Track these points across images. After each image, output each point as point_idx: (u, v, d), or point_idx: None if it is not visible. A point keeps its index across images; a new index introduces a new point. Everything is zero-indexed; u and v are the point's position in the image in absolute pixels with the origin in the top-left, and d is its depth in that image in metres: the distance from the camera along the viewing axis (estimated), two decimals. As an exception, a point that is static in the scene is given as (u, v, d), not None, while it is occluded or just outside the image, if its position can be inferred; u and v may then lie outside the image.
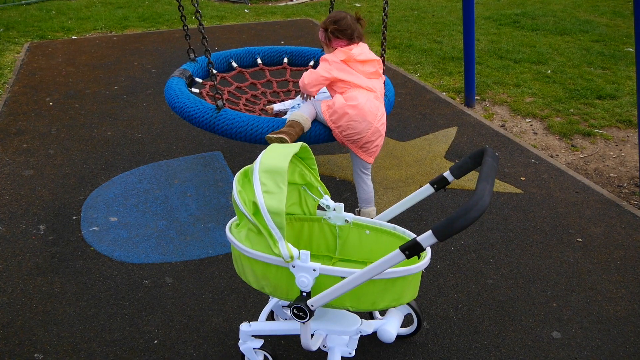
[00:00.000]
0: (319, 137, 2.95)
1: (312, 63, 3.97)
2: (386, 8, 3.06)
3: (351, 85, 2.85)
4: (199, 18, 2.87)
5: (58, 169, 3.70)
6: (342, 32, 2.92)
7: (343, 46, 2.94)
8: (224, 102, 3.08)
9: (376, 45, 6.66)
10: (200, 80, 3.61)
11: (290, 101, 3.60)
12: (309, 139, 2.92)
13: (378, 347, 2.29)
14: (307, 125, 2.87)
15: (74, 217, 3.17)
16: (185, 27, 3.34)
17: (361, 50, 2.92)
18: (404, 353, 2.28)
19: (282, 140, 2.71)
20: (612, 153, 4.07)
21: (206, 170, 3.70)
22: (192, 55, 3.59)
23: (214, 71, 3.57)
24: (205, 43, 2.92)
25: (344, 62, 2.87)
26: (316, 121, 2.96)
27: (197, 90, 3.47)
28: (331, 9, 3.73)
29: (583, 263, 2.82)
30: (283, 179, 1.74)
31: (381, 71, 3.02)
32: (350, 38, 2.94)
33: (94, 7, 8.37)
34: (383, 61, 3.16)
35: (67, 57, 6.02)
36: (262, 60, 3.99)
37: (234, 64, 3.87)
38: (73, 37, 6.86)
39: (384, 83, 3.11)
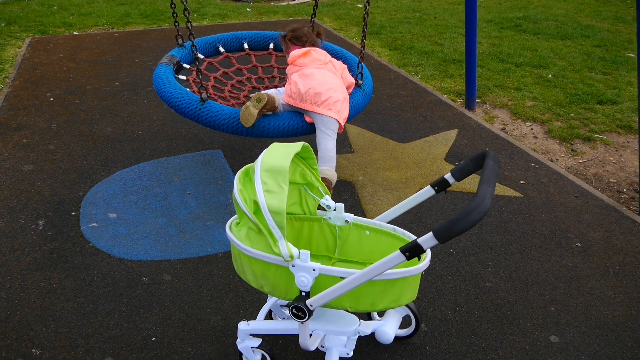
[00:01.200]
0: (293, 125, 3.08)
1: None
2: (367, 7, 3.23)
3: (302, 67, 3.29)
4: (187, 15, 2.99)
5: (58, 164, 3.70)
6: (298, 39, 3.48)
7: (294, 50, 3.41)
8: (209, 94, 3.21)
9: (377, 46, 6.67)
10: (187, 67, 3.66)
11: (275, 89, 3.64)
12: (286, 130, 3.06)
13: (376, 348, 2.30)
14: (277, 99, 3.08)
15: (73, 213, 3.17)
16: (175, 15, 3.38)
17: (312, 51, 3.35)
18: (402, 354, 2.28)
19: (259, 100, 2.92)
20: (612, 158, 4.08)
21: (206, 168, 3.70)
22: (180, 41, 3.65)
23: (200, 56, 3.73)
24: (190, 26, 3.03)
25: (291, 65, 3.34)
26: (290, 112, 3.14)
27: (184, 77, 3.54)
28: (313, 17, 3.98)
29: (582, 268, 2.83)
30: (284, 179, 1.74)
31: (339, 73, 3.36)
32: (303, 44, 3.46)
33: (95, 3, 8.36)
34: (362, 54, 3.35)
35: (68, 53, 6.02)
36: (248, 46, 4.03)
37: (221, 49, 3.92)
38: (74, 33, 6.85)
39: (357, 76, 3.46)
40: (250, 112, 2.93)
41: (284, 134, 3.08)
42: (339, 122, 3.13)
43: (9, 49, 6.11)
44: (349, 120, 3.30)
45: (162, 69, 3.38)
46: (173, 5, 3.33)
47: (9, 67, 5.55)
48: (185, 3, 2.97)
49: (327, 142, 3.10)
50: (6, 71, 5.44)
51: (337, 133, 3.16)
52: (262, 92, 3.13)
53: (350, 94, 3.33)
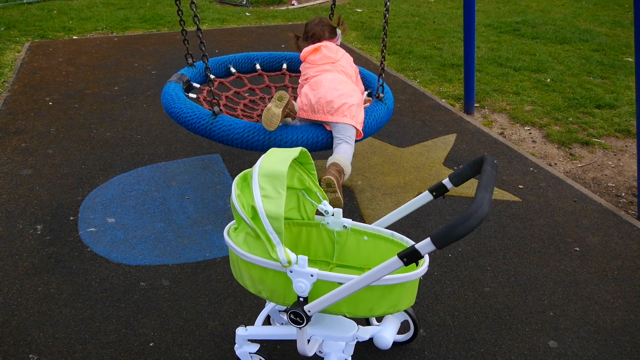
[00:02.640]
0: (313, 138, 2.97)
1: None
2: (387, 15, 3.05)
3: (310, 77, 3.27)
4: (197, 22, 2.83)
5: (56, 168, 3.70)
6: (308, 37, 3.48)
7: (307, 47, 3.42)
8: (221, 108, 3.06)
9: (376, 50, 6.68)
10: (198, 86, 3.58)
11: None
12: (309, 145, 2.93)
13: (374, 353, 2.29)
14: (295, 104, 3.02)
15: (71, 218, 3.16)
16: (184, 32, 3.29)
17: (322, 48, 3.34)
18: (400, 360, 2.27)
19: (280, 98, 2.83)
20: (610, 162, 4.08)
21: (205, 172, 3.70)
22: (190, 60, 3.56)
23: (212, 76, 3.57)
24: (203, 48, 2.90)
25: (304, 62, 3.37)
26: (309, 125, 3.03)
27: (194, 96, 3.45)
28: (331, 15, 3.76)
29: (580, 272, 2.82)
30: (282, 184, 1.73)
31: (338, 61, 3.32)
32: (317, 39, 3.44)
33: (95, 7, 8.38)
34: (382, 67, 3.20)
35: (68, 57, 6.02)
36: (261, 66, 3.97)
37: (233, 70, 3.85)
38: (74, 37, 6.86)
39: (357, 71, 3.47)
40: (273, 112, 2.77)
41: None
42: (355, 127, 3.01)
43: (8, 53, 6.11)
44: (371, 134, 3.17)
45: (171, 86, 3.29)
46: (182, 22, 3.22)
47: (8, 72, 5.55)
48: (195, 10, 2.78)
49: (343, 145, 2.96)
50: (5, 75, 5.44)
51: (356, 140, 3.04)
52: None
53: (371, 108, 3.20)
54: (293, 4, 9.45)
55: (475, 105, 5.02)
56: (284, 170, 1.75)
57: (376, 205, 3.36)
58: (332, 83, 3.08)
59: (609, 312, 2.56)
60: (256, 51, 6.32)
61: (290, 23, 7.91)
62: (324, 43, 3.38)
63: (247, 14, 8.47)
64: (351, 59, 3.43)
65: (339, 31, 3.51)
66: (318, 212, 2.16)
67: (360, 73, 3.67)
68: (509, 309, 2.56)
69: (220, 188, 3.51)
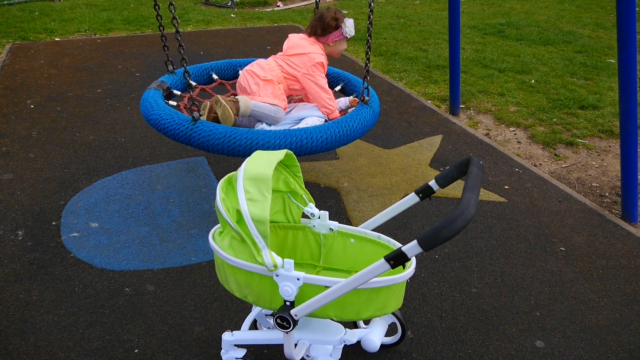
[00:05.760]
0: (296, 144, 2.89)
1: None
2: (371, 16, 2.98)
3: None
4: (176, 24, 2.77)
5: (38, 173, 3.64)
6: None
7: None
8: (201, 113, 3.02)
9: (362, 52, 6.68)
10: (178, 93, 3.51)
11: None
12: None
13: (362, 356, 2.28)
14: (244, 104, 3.09)
15: (53, 223, 3.11)
16: (164, 38, 3.15)
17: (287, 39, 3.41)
18: (388, 362, 2.26)
19: (217, 103, 3.03)
20: (594, 163, 4.12)
21: (190, 176, 3.67)
22: (170, 67, 3.45)
23: (193, 83, 3.55)
24: (182, 51, 2.82)
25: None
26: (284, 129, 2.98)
27: (174, 103, 3.37)
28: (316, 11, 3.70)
29: (566, 272, 2.84)
30: (267, 187, 1.72)
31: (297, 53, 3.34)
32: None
33: (78, 9, 8.29)
34: (367, 70, 3.12)
35: (50, 59, 5.94)
36: None
37: (215, 76, 3.78)
38: (56, 39, 6.78)
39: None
40: (227, 111, 2.98)
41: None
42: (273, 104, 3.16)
43: (-11, 56, 6.02)
44: (358, 138, 3.10)
45: (150, 93, 3.22)
46: (162, 28, 3.14)
47: (-11, 74, 5.46)
48: (174, 12, 2.73)
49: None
50: (-15, 78, 5.35)
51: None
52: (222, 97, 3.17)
53: (356, 111, 3.13)
54: (279, 6, 9.44)
55: (461, 106, 5.04)
56: (269, 173, 1.73)
57: (363, 207, 3.35)
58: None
59: (595, 311, 2.58)
60: (241, 52, 6.29)
61: (275, 25, 7.89)
62: (292, 35, 3.41)
63: (232, 15, 8.44)
64: (312, 60, 3.27)
65: (334, 33, 3.34)
66: (304, 215, 2.14)
67: (345, 78, 3.66)
68: (495, 309, 2.57)
69: (205, 191, 3.48)
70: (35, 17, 7.73)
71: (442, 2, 9.61)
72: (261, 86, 3.20)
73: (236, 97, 3.16)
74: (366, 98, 3.20)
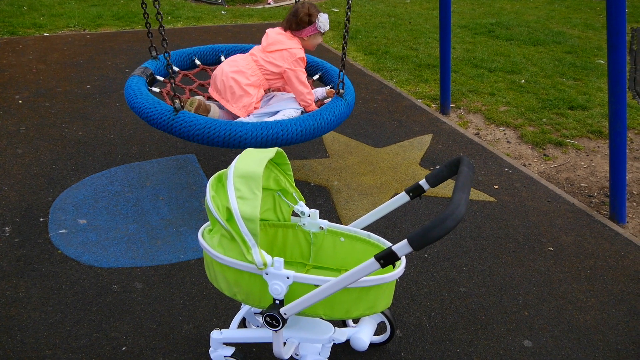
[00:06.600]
0: (272, 136, 2.97)
1: None
2: (348, 12, 3.06)
3: None
4: (160, 20, 2.89)
5: (26, 169, 3.60)
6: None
7: None
8: (182, 103, 3.07)
9: (353, 51, 6.68)
10: (161, 79, 3.55)
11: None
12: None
13: (351, 355, 2.28)
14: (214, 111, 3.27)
15: (41, 219, 3.08)
16: (148, 25, 3.22)
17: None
18: (377, 361, 2.26)
19: (192, 104, 3.17)
20: (583, 163, 4.15)
21: (179, 173, 3.65)
22: (153, 53, 3.54)
23: (176, 68, 3.64)
24: (165, 45, 2.92)
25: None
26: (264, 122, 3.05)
27: (157, 90, 3.43)
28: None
29: (554, 272, 2.86)
30: (258, 185, 1.71)
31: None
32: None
33: (67, 4, 8.21)
34: (343, 63, 3.18)
35: (38, 55, 5.88)
36: (225, 58, 3.94)
37: (197, 62, 3.83)
38: (45, 34, 6.71)
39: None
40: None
41: (263, 144, 2.91)
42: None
43: (-24, 50, 5.95)
44: (331, 130, 3.16)
45: (134, 80, 3.26)
46: (146, 15, 3.16)
47: (-24, 69, 5.40)
48: (158, 7, 2.83)
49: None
50: (-28, 73, 5.29)
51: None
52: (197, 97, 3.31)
53: (331, 104, 3.19)
54: (269, 3, 9.41)
55: (451, 105, 5.06)
56: (260, 171, 1.72)
57: (353, 206, 3.35)
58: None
59: (582, 311, 2.60)
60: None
61: (266, 22, 7.86)
62: (269, 30, 3.43)
63: (222, 12, 8.40)
64: (293, 55, 3.31)
65: (308, 28, 3.36)
66: (294, 213, 2.14)
67: (323, 67, 3.74)
68: (484, 309, 2.58)
69: (195, 188, 3.46)
70: (24, 11, 7.65)
71: (432, 2, 9.63)
72: (237, 97, 3.29)
73: (210, 103, 3.33)
74: (341, 91, 3.28)
